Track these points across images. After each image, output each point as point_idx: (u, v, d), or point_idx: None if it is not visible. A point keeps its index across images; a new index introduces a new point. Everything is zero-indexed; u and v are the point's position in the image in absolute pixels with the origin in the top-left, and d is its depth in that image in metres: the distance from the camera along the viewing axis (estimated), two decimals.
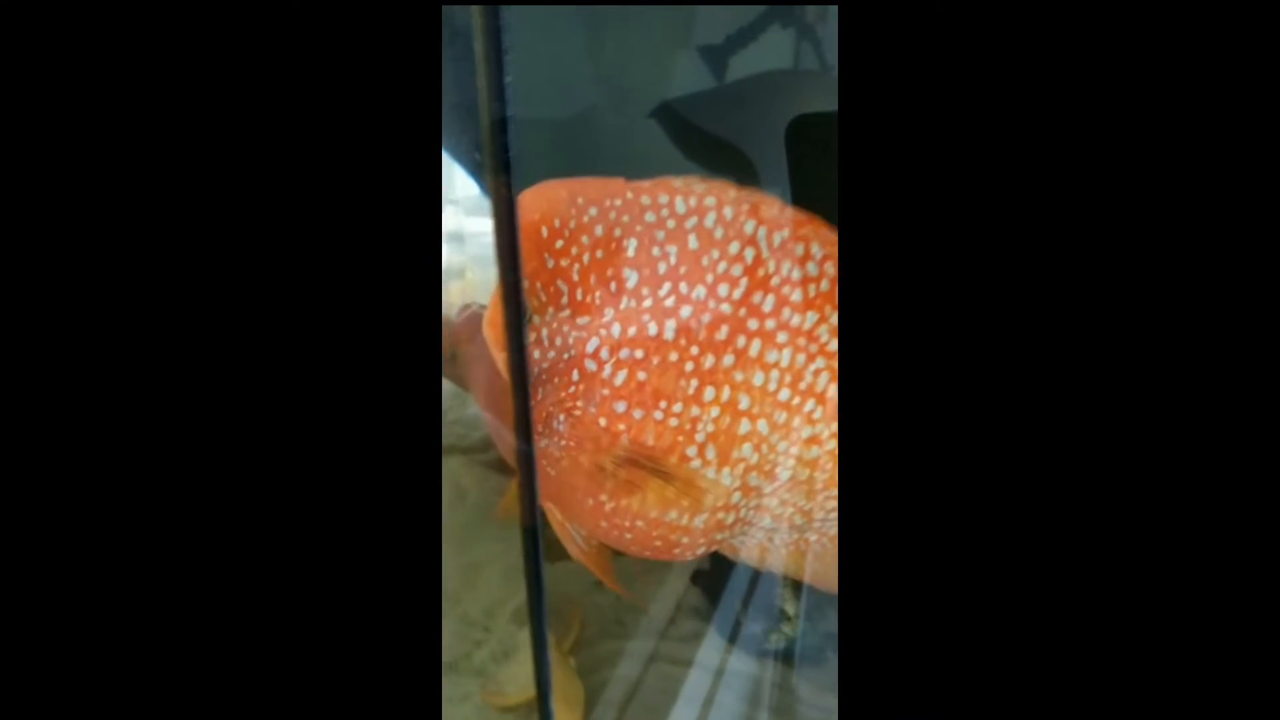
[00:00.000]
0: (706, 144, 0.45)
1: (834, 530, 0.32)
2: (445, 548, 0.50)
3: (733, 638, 0.45)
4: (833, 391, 0.29)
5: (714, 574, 0.47)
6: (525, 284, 0.27)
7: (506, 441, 0.34)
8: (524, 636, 0.48)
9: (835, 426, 0.29)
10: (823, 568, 0.34)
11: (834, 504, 0.31)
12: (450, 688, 0.46)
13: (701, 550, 0.33)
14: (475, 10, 0.16)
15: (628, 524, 0.31)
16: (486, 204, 0.19)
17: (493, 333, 0.28)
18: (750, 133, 0.42)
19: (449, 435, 0.64)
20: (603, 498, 0.30)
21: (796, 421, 0.29)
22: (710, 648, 0.46)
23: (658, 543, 0.31)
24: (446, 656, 0.47)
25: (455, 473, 0.62)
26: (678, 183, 0.28)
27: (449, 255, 0.66)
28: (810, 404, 0.29)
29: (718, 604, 0.47)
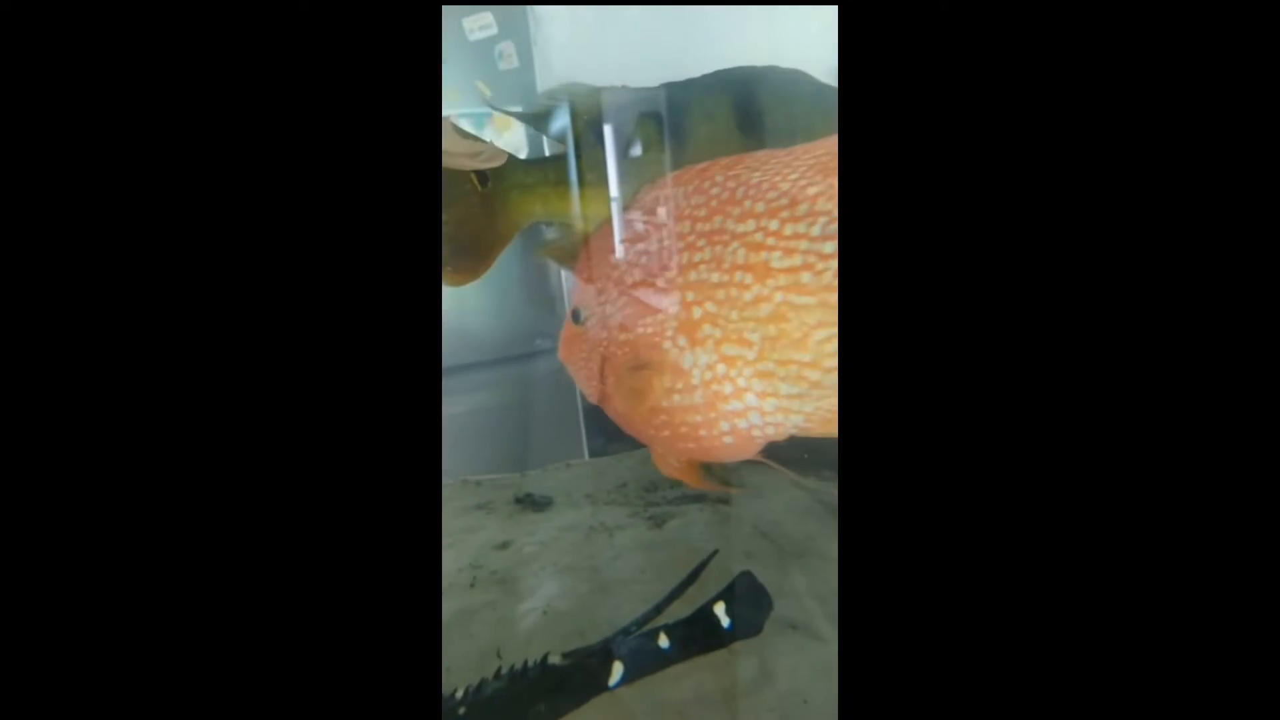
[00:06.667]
0: None
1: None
2: None
3: None
4: (753, 258, 0.36)
5: None
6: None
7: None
8: None
9: (770, 284, 0.36)
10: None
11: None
12: None
13: (728, 429, 0.38)
14: None
15: (663, 424, 0.40)
16: None
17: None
18: None
19: None
20: (643, 413, 0.40)
21: (734, 293, 0.37)
22: None
23: (684, 429, 0.39)
24: None
25: None
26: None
27: None
28: (739, 275, 0.37)
29: None
